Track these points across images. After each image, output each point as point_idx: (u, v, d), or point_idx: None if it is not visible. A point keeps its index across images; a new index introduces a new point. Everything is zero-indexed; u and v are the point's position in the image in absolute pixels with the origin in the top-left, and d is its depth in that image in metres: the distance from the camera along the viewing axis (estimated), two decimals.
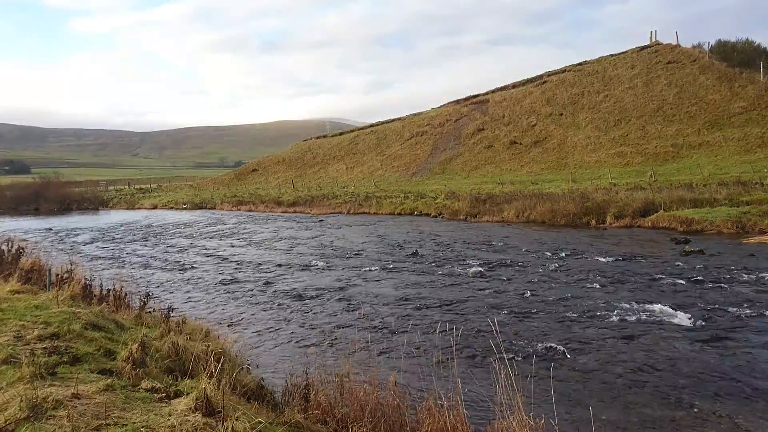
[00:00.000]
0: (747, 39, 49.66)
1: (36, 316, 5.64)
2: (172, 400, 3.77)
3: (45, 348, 4.59)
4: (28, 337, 4.90)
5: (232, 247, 20.82)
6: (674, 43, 57.47)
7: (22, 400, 3.28)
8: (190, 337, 5.98)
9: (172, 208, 48.04)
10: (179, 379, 4.55)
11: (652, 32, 62.18)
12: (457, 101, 71.42)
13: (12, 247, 12.04)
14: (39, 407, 3.29)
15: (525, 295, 11.16)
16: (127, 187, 78.31)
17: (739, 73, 46.19)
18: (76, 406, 3.38)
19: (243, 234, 25.21)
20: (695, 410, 5.79)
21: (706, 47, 52.88)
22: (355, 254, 17.51)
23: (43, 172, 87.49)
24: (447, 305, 10.62)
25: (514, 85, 67.72)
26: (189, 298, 12.45)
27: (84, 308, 6.31)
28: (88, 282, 8.78)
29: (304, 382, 5.26)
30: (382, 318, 9.95)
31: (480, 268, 14.06)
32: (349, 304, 11.11)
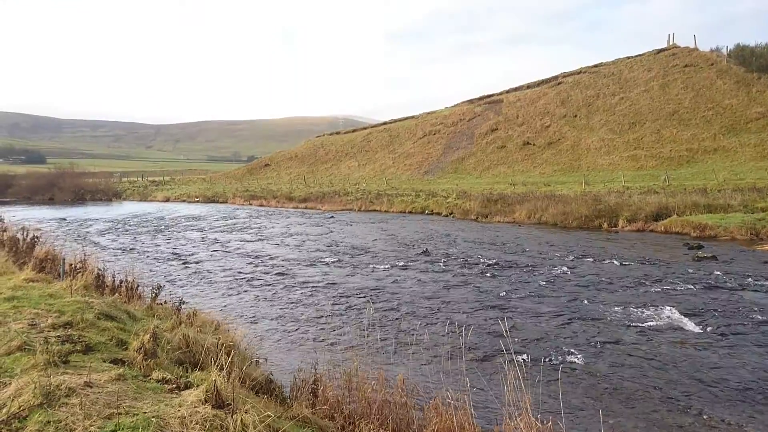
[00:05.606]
0: (767, 44, 48.99)
1: (50, 305, 5.71)
2: (182, 392, 3.81)
3: (58, 336, 4.65)
4: (42, 325, 4.96)
5: (243, 241, 20.92)
6: (692, 46, 56.89)
7: (35, 387, 3.33)
8: (200, 330, 6.02)
9: (184, 200, 48.36)
10: (190, 370, 4.59)
11: (669, 35, 61.67)
12: (471, 101, 71.25)
13: (27, 236, 12.19)
14: (52, 394, 3.34)
15: (535, 296, 11.13)
16: (140, 179, 78.93)
17: (758, 78, 45.61)
18: (88, 395, 3.42)
19: (254, 228, 25.32)
20: (704, 417, 5.75)
21: (724, 51, 52.27)
22: (366, 252, 17.54)
23: (58, 162, 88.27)
24: (456, 305, 10.62)
25: (529, 86, 67.44)
26: (200, 290, 12.54)
27: (97, 298, 6.37)
28: (100, 272, 8.85)
29: (313, 378, 5.29)
30: (391, 316, 9.96)
31: (490, 269, 14.04)
32: (358, 301, 11.13)
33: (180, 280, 13.77)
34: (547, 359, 7.45)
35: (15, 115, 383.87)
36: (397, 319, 9.75)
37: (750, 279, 12.09)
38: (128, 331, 5.36)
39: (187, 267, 15.52)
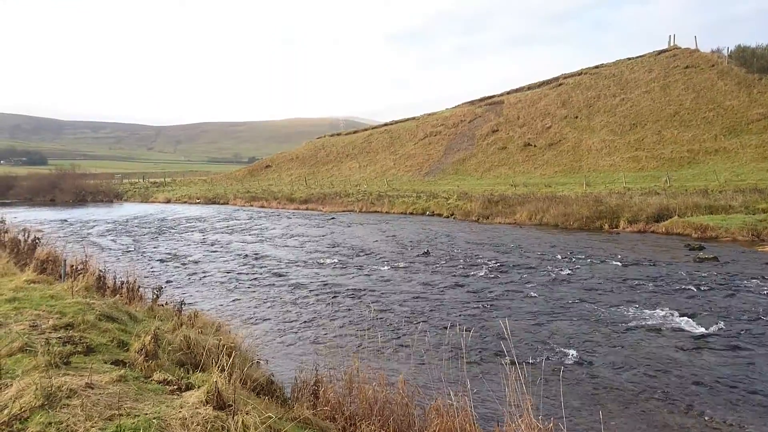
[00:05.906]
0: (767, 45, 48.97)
1: (51, 306, 5.71)
2: (183, 393, 3.81)
3: (60, 338, 4.65)
4: (43, 326, 4.96)
5: (244, 242, 20.93)
6: (693, 47, 56.87)
7: (37, 388, 3.33)
8: (201, 331, 6.02)
9: (185, 202, 48.38)
10: (191, 372, 4.59)
11: (670, 36, 61.65)
12: (472, 102, 71.24)
13: (28, 237, 12.21)
14: (53, 396, 3.34)
15: (536, 298, 11.12)
16: (141, 180, 78.98)
17: (759, 79, 45.54)
18: (89, 396, 3.42)
19: (255, 230, 25.33)
20: (706, 418, 5.75)
21: (725, 52, 52.23)
22: (367, 253, 17.54)
23: (59, 163, 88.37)
24: (457, 306, 10.61)
25: (530, 87, 67.41)
26: (201, 291, 12.55)
27: (98, 299, 6.37)
28: (102, 273, 8.87)
29: (314, 379, 5.29)
30: (392, 317, 9.96)
31: (491, 270, 14.03)
32: (359, 302, 11.13)
33: (181, 281, 13.78)
34: (548, 360, 7.45)
35: (16, 117, 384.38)
36: (397, 320, 9.75)
37: (751, 280, 12.07)
38: (129, 332, 5.36)
39: (188, 268, 15.53)
